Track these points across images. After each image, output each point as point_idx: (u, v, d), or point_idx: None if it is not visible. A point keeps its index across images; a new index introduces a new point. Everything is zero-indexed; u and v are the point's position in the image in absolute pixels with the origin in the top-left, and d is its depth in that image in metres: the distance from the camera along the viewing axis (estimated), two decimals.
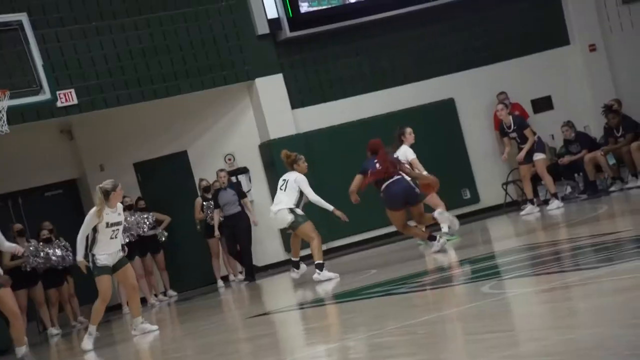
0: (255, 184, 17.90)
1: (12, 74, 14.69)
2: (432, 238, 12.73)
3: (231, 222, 16.16)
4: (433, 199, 13.63)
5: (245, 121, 17.87)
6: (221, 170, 16.49)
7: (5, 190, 17.03)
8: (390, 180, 12.47)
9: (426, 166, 13.94)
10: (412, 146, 14.07)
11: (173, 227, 16.70)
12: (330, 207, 12.39)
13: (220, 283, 17.00)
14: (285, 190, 12.43)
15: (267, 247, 17.70)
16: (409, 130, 14.13)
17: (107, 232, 10.64)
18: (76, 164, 17.49)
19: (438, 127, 18.13)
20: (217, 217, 16.06)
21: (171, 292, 16.92)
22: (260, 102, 17.64)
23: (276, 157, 15.60)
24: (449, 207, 14.34)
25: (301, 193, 12.41)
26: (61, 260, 15.00)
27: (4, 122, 12.89)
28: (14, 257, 14.11)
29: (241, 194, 16.19)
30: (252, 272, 16.36)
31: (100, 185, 10.65)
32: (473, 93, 18.53)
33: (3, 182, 16.78)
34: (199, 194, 16.95)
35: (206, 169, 17.47)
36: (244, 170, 17.94)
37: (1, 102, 12.80)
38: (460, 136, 18.56)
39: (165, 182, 17.45)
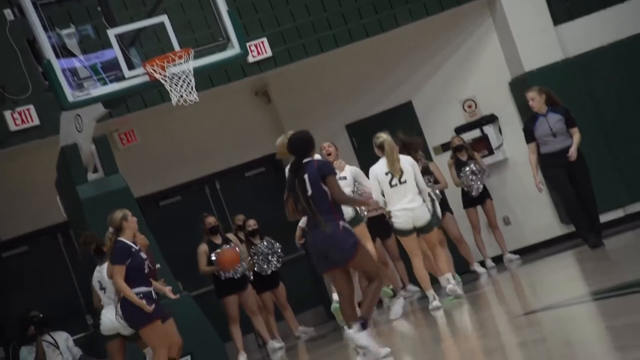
0: (508, 136, 14.44)
1: (193, 27, 12.82)
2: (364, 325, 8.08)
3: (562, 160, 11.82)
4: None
5: (487, 52, 14.56)
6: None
7: (200, 174, 14.89)
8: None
9: None
10: None
11: None
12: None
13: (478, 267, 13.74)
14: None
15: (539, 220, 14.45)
16: None
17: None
18: (277, 133, 14.80)
19: None
20: (534, 161, 11.89)
21: None
22: (508, 21, 14.18)
23: None
24: None
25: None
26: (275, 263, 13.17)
27: (192, 88, 10.62)
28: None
29: (571, 122, 11.88)
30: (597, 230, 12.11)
31: None
32: None
33: (197, 164, 14.73)
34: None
35: (438, 122, 14.70)
36: (491, 119, 14.58)
37: (186, 64, 10.57)
38: None
39: None
